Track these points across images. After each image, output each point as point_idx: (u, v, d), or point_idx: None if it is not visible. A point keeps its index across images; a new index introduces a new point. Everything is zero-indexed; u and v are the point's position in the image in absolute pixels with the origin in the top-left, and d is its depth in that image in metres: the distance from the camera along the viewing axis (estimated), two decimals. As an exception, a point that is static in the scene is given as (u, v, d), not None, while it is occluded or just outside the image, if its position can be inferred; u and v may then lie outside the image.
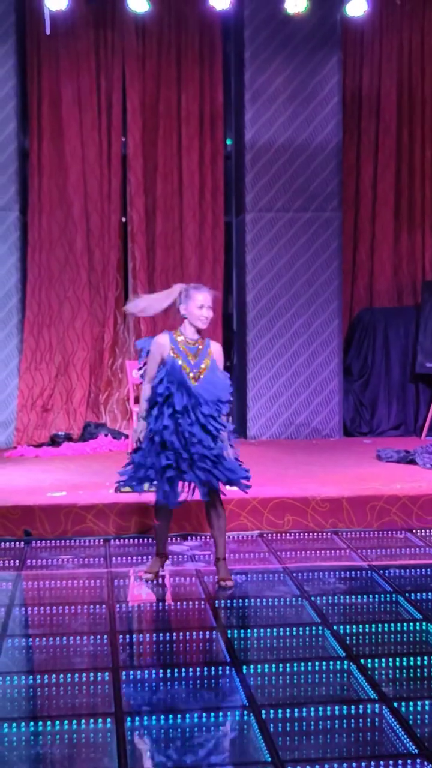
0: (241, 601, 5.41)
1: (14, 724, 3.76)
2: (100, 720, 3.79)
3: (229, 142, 9.98)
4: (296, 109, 9.50)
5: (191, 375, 5.18)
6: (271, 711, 3.78)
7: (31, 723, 3.76)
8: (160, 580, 5.63)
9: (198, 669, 4.33)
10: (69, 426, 9.44)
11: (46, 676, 4.21)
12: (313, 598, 5.26)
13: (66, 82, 9.35)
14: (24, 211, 9.42)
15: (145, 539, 6.59)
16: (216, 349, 5.34)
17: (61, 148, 9.40)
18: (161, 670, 4.30)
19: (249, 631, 4.88)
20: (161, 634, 4.81)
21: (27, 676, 4.25)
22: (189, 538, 6.62)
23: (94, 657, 4.52)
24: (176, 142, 9.58)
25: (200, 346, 5.26)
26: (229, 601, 5.36)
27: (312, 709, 3.81)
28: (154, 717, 3.80)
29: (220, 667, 4.37)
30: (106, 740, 3.66)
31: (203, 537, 6.62)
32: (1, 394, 9.30)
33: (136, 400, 8.99)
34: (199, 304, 5.16)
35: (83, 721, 3.76)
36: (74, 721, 3.75)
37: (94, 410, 9.67)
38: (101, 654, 4.54)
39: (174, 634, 4.81)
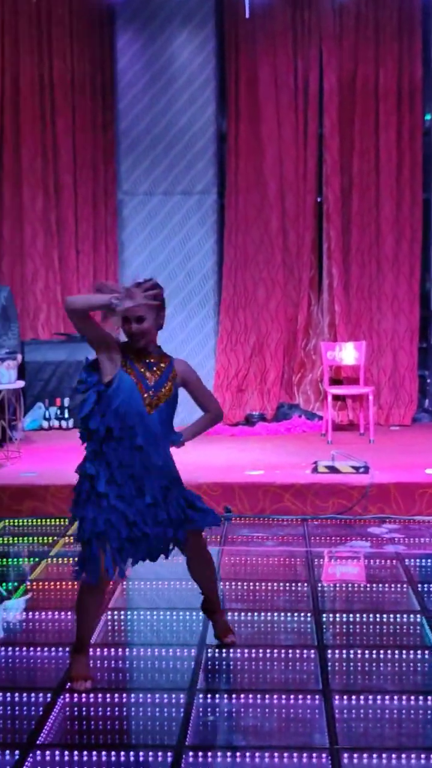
0: (443, 586, 5.35)
1: (225, 696, 3.89)
2: (308, 696, 3.86)
3: (428, 117, 9.75)
4: None
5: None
6: None
7: (242, 695, 3.88)
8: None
9: (403, 652, 4.33)
10: (263, 406, 9.55)
11: (254, 650, 4.33)
12: None
13: (263, 64, 9.40)
14: (221, 194, 9.57)
15: (343, 520, 6.62)
16: None
17: (258, 130, 9.48)
18: (366, 651, 4.33)
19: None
20: (364, 615, 4.83)
21: (234, 649, 4.37)
22: (387, 521, 6.59)
23: (299, 634, 4.61)
24: (373, 120, 9.45)
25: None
26: None
27: None
28: (361, 697, 3.84)
29: (426, 651, 4.35)
30: (315, 716, 3.73)
31: (403, 521, 6.58)
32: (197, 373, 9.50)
33: (331, 382, 9.04)
34: None
35: (292, 696, 3.86)
36: (283, 696, 3.85)
37: (288, 391, 9.75)
38: (306, 632, 4.62)
39: (377, 615, 4.82)
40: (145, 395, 3.85)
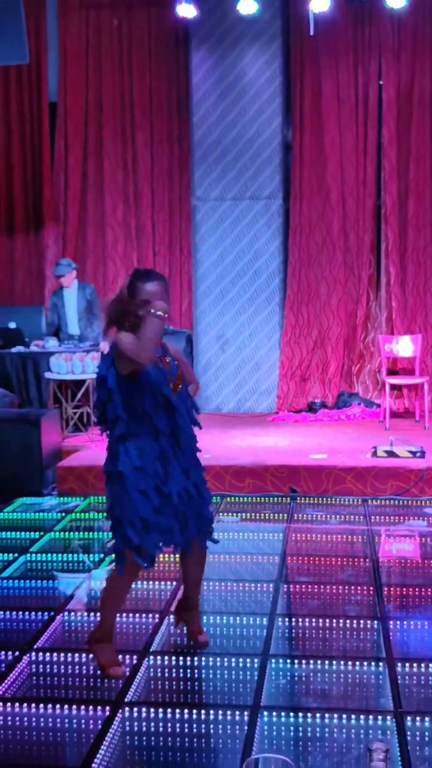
0: None
1: (295, 661, 3.89)
2: (372, 663, 3.84)
3: None
4: None
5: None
6: None
7: (311, 661, 3.87)
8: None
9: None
10: (324, 395, 9.50)
11: (321, 620, 4.31)
12: None
13: (326, 78, 9.31)
14: (286, 199, 9.51)
15: (401, 501, 6.55)
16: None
17: (321, 140, 9.39)
18: (425, 623, 4.28)
19: None
20: (422, 589, 4.78)
21: (302, 619, 4.36)
22: (442, 501, 6.51)
23: (361, 606, 4.57)
24: (429, 129, 9.27)
25: None
26: None
27: None
28: (422, 665, 3.80)
29: None
30: (379, 682, 3.71)
31: (456, 501, 6.49)
32: (264, 365, 9.51)
33: (388, 372, 8.94)
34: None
35: (357, 663, 3.83)
36: (349, 663, 3.83)
37: (347, 380, 9.67)
38: (368, 604, 4.59)
39: (434, 590, 4.77)
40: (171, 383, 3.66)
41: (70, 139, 9.80)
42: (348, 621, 4.29)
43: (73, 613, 4.47)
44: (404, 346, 8.81)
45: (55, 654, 3.94)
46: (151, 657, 3.90)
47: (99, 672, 3.73)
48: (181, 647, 4.02)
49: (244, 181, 9.37)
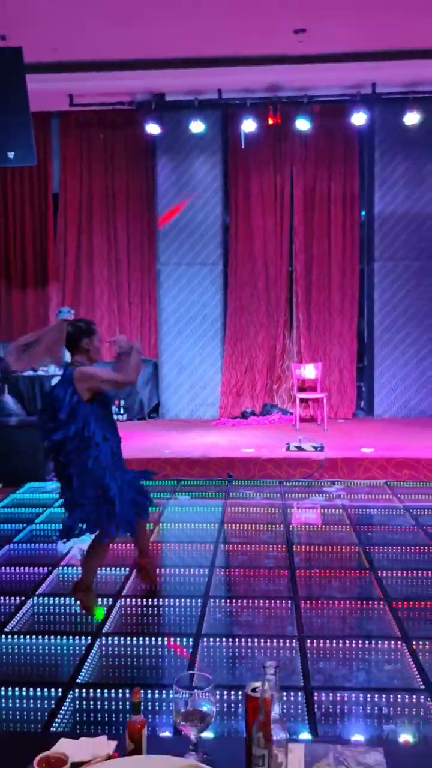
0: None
1: (227, 601, 3.83)
2: (283, 601, 3.81)
3: (362, 213, 9.73)
4: (413, 189, 9.14)
5: None
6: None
7: (238, 600, 3.82)
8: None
9: (347, 571, 4.28)
10: (253, 405, 9.52)
11: (246, 570, 4.28)
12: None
13: (254, 180, 9.39)
14: (225, 265, 9.55)
15: (306, 483, 6.57)
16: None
17: (250, 224, 9.46)
18: (322, 571, 4.26)
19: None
20: (320, 547, 4.78)
21: (235, 569, 4.33)
22: (336, 483, 6.53)
23: (277, 559, 4.56)
24: (326, 216, 9.43)
25: None
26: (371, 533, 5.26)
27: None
28: (319, 602, 3.79)
29: (363, 571, 4.30)
30: (287, 615, 3.69)
31: (347, 483, 6.52)
32: (210, 384, 9.50)
33: (298, 389, 8.99)
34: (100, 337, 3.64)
35: (273, 601, 3.80)
36: (267, 601, 3.79)
37: (270, 395, 9.71)
38: (282, 558, 4.58)
39: (329, 546, 4.76)
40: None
41: (69, 221, 9.72)
42: (267, 571, 4.28)
43: (66, 568, 4.39)
44: (309, 371, 8.89)
45: (52, 598, 3.86)
46: (122, 599, 3.83)
47: (84, 611, 3.66)
48: (145, 593, 3.96)
49: (195, 252, 9.38)
